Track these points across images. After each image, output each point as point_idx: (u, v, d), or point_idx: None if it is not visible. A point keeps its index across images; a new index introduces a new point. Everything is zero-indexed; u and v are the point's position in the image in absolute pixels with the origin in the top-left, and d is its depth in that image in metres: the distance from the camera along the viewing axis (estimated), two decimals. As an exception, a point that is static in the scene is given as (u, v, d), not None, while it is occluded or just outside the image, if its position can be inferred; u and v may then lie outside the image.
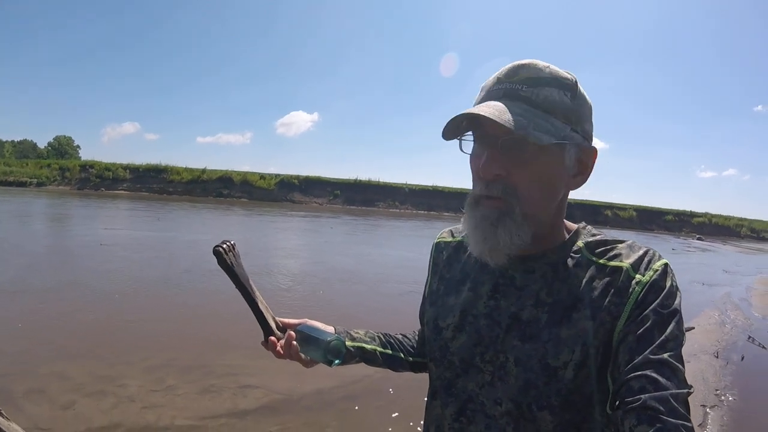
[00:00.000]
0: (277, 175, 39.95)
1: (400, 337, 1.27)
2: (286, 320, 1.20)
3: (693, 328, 7.56)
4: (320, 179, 41.17)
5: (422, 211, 39.15)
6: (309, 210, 31.99)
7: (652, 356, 0.77)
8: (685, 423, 0.72)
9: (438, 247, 1.15)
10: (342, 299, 7.89)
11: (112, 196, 30.13)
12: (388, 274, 10.41)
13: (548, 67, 0.86)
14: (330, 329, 1.17)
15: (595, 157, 0.93)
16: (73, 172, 35.44)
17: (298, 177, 40.33)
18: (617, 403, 0.78)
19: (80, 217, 18.34)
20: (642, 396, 0.74)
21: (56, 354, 4.82)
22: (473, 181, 0.93)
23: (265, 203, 34.20)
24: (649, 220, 47.75)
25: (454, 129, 0.90)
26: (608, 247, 0.92)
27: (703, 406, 4.79)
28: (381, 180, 42.99)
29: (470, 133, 0.91)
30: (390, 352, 1.22)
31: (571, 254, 0.93)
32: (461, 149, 0.93)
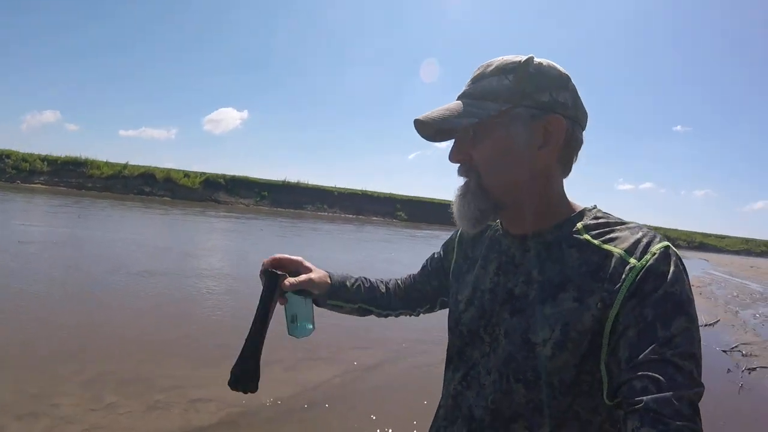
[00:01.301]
0: (202, 174, 38.78)
1: (383, 289, 1.39)
2: (284, 256, 1.22)
3: None
4: (247, 179, 40.36)
5: (351, 215, 39.34)
6: (235, 211, 31.59)
7: (654, 355, 0.77)
8: (689, 424, 0.72)
9: None
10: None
11: (29, 190, 28.78)
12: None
13: (500, 59, 0.96)
14: (321, 275, 1.24)
15: (559, 125, 0.94)
16: (-13, 162, 33.58)
17: (224, 176, 39.36)
18: (619, 402, 0.80)
19: (-6, 211, 17.65)
20: (644, 398, 0.74)
21: None
22: None
23: (188, 202, 33.35)
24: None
25: (433, 138, 1.04)
26: (607, 229, 0.93)
27: None
28: (310, 182, 42.89)
29: (441, 141, 1.05)
30: (368, 307, 1.35)
31: (569, 234, 0.95)
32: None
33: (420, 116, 0.97)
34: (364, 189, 44.38)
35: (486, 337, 1.01)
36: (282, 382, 4.75)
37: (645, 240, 0.88)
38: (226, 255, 13.13)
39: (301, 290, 1.18)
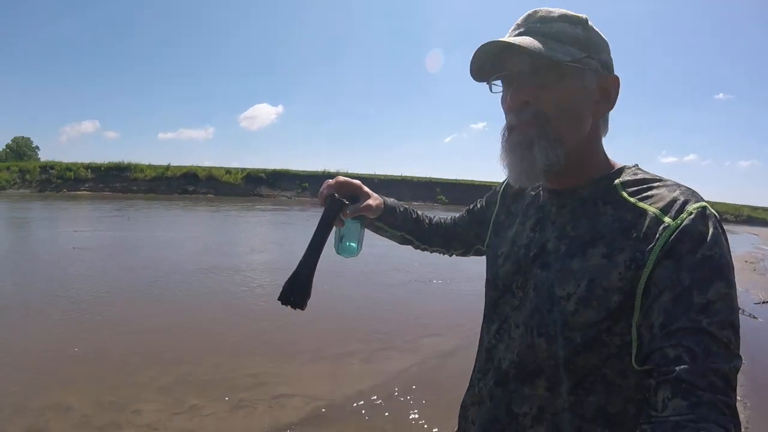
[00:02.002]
0: (243, 170, 39.17)
1: (426, 223, 1.41)
2: (347, 179, 1.20)
3: None
4: (288, 172, 40.57)
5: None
6: (278, 204, 31.70)
7: (690, 323, 0.74)
8: (723, 398, 0.69)
9: (510, 182, 1.17)
10: (347, 291, 7.71)
11: (75, 197, 29.29)
12: (387, 263, 10.20)
13: (559, 9, 0.93)
14: (378, 203, 1.25)
15: (617, 86, 0.96)
16: (33, 173, 34.20)
17: (265, 171, 39.68)
18: (649, 369, 0.77)
19: (46, 220, 17.78)
20: (677, 368, 0.72)
21: (46, 381, 4.24)
22: (505, 116, 0.99)
23: (232, 198, 33.66)
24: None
25: (480, 71, 0.98)
26: (644, 186, 0.90)
27: None
28: (350, 171, 42.62)
29: (498, 80, 0.98)
30: (410, 237, 1.38)
31: (606, 190, 0.93)
32: (491, 91, 1.00)
33: (502, 38, 0.91)
34: (403, 175, 43.93)
35: (518, 292, 1.01)
36: (361, 374, 4.67)
37: (682, 198, 0.84)
38: (281, 247, 12.84)
39: (341, 234, 1.19)
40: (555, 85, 0.90)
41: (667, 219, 0.82)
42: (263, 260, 10.46)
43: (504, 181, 1.24)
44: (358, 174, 41.81)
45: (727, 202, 60.34)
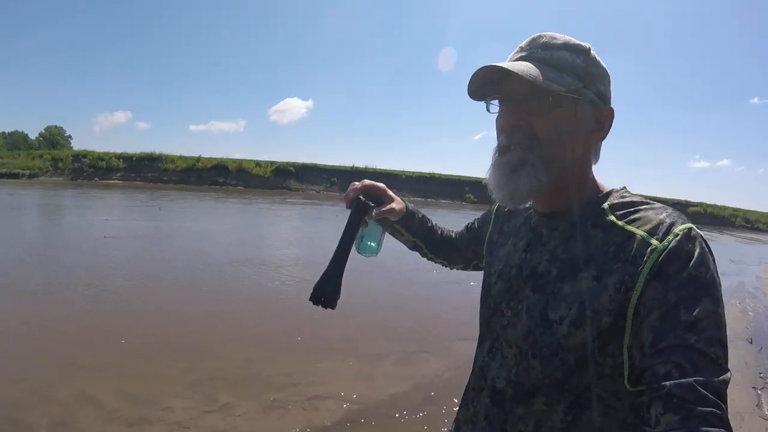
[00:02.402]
0: (272, 163, 39.27)
1: (439, 234, 1.44)
2: (372, 183, 1.24)
3: None
4: (317, 166, 40.55)
5: (419, 198, 38.58)
6: (307, 197, 31.58)
7: (678, 340, 0.74)
8: (715, 410, 0.69)
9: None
10: (376, 286, 7.48)
11: (107, 186, 29.56)
12: (415, 262, 9.85)
13: (563, 36, 0.95)
14: (402, 207, 1.28)
15: (611, 117, 0.98)
16: (65, 162, 34.67)
17: (294, 164, 39.68)
18: (643, 388, 0.77)
19: (78, 207, 17.87)
20: (667, 383, 0.72)
21: (76, 371, 4.15)
22: (497, 136, 1.00)
23: (261, 190, 33.68)
24: (645, 211, 47.25)
25: (479, 91, 0.98)
26: (632, 209, 0.92)
27: (754, 388, 5.02)
28: (378, 167, 42.58)
29: (495, 100, 0.99)
30: (422, 244, 1.41)
31: (595, 214, 0.94)
32: (488, 110, 1.01)
33: (501, 63, 0.92)
34: (432, 172, 43.58)
35: (507, 311, 1.02)
36: (395, 377, 4.53)
37: (668, 221, 0.86)
38: (313, 242, 12.51)
39: (364, 234, 1.22)
40: (548, 112, 0.92)
41: (654, 241, 0.84)
42: (296, 255, 10.18)
43: (496, 203, 1.26)
44: (386, 170, 41.76)
45: (761, 210, 58.50)
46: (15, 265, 7.67)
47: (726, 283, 8.65)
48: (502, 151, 0.98)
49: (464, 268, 1.49)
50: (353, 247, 1.17)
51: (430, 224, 1.42)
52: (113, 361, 4.41)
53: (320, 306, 1.10)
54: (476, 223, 1.39)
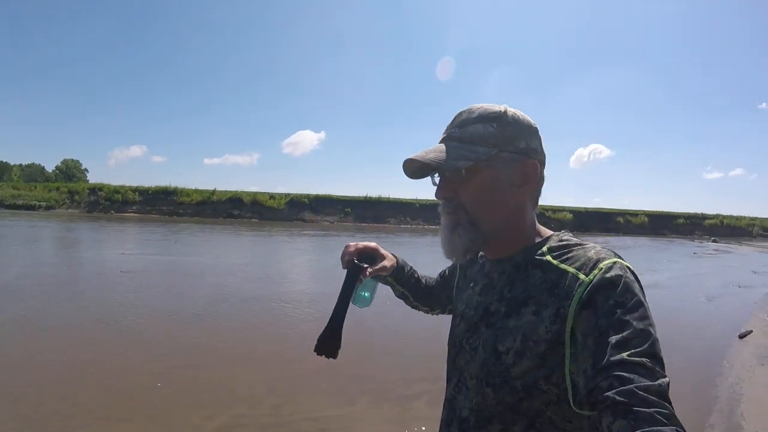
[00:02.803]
0: (287, 195, 39.50)
1: (423, 284, 1.53)
2: (365, 245, 1.37)
3: (751, 331, 7.84)
4: (330, 197, 40.70)
5: (434, 226, 38.30)
6: (321, 228, 31.38)
7: (614, 358, 0.79)
8: (660, 410, 0.73)
9: None
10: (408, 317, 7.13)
11: (122, 219, 29.62)
12: None
13: (480, 107, 1.07)
14: (393, 263, 1.42)
15: (535, 169, 1.06)
16: (82, 194, 35.06)
17: (308, 196, 39.89)
18: (590, 405, 0.81)
19: (94, 241, 17.79)
20: (610, 394, 0.76)
21: (93, 417, 3.94)
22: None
23: (276, 223, 33.64)
24: (661, 225, 47.20)
25: (419, 173, 1.14)
26: (566, 250, 1.02)
27: None
28: (391, 196, 42.60)
29: (436, 175, 1.12)
30: (409, 293, 1.52)
31: (535, 257, 1.04)
32: (433, 184, 1.12)
33: (415, 155, 1.06)
34: (445, 200, 43.34)
35: (467, 347, 1.11)
36: (429, 419, 4.22)
37: (594, 258, 0.95)
38: (334, 276, 12.18)
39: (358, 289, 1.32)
40: (469, 182, 1.04)
41: (581, 276, 0.92)
42: (317, 290, 9.84)
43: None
44: (399, 199, 41.82)
45: None
46: (35, 299, 7.55)
47: (752, 296, 9.15)
48: (442, 216, 1.11)
49: (441, 312, 1.57)
50: (356, 303, 1.32)
51: (416, 275, 1.53)
52: (134, 406, 4.18)
53: (324, 356, 1.21)
54: (447, 271, 1.50)
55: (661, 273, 15.26)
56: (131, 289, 8.81)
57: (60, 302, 7.54)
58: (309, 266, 14.15)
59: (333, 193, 41.66)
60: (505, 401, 0.98)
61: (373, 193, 42.94)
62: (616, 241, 31.64)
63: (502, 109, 1.05)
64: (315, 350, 1.21)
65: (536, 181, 1.07)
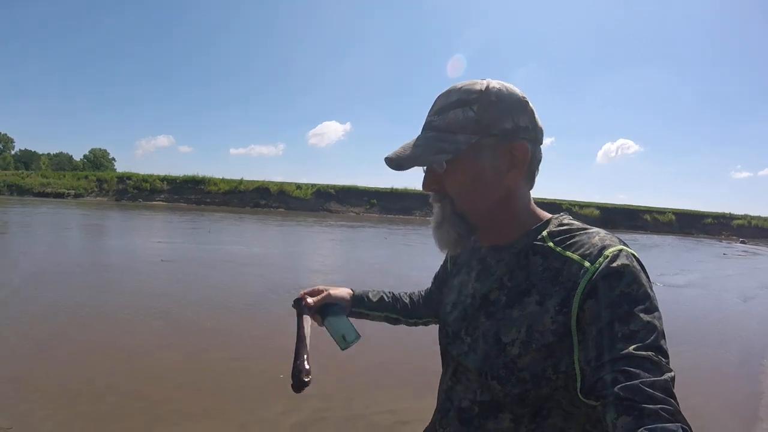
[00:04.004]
0: (313, 185, 39.56)
1: (407, 300, 1.47)
2: (309, 290, 1.35)
3: None
4: (356, 188, 40.71)
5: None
6: (348, 219, 31.29)
7: (619, 352, 0.78)
8: (665, 406, 0.72)
9: None
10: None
11: (151, 207, 29.79)
12: None
13: (460, 87, 0.99)
14: (340, 291, 1.36)
15: (523, 151, 0.98)
16: (110, 183, 35.38)
17: (334, 186, 39.93)
18: (595, 398, 0.80)
19: (129, 229, 17.77)
20: (615, 389, 0.75)
21: (163, 414, 3.77)
22: None
23: (302, 213, 33.62)
24: (689, 224, 46.27)
25: (399, 167, 1.02)
26: (568, 236, 0.96)
27: None
28: (417, 188, 42.38)
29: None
30: (394, 316, 1.44)
31: (535, 242, 0.99)
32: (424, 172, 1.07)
33: (391, 154, 1.01)
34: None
35: (467, 338, 1.06)
36: None
37: (600, 244, 0.91)
38: (384, 265, 12.01)
39: (335, 311, 1.31)
40: (453, 172, 0.98)
41: (586, 263, 0.88)
42: (367, 281, 9.54)
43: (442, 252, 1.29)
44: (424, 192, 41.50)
45: None
46: (82, 290, 7.37)
47: None
48: (432, 207, 1.07)
49: None
50: (340, 346, 1.29)
51: (391, 295, 1.46)
52: (203, 402, 3.95)
53: (299, 389, 1.16)
54: (440, 270, 1.43)
55: (693, 273, 14.88)
56: (175, 278, 8.65)
57: (108, 291, 7.37)
58: (349, 257, 13.88)
59: (359, 185, 41.60)
60: (513, 393, 0.94)
61: (399, 185, 42.82)
62: (644, 239, 31.04)
63: (483, 87, 0.98)
64: (292, 387, 1.18)
65: (527, 163, 1.00)
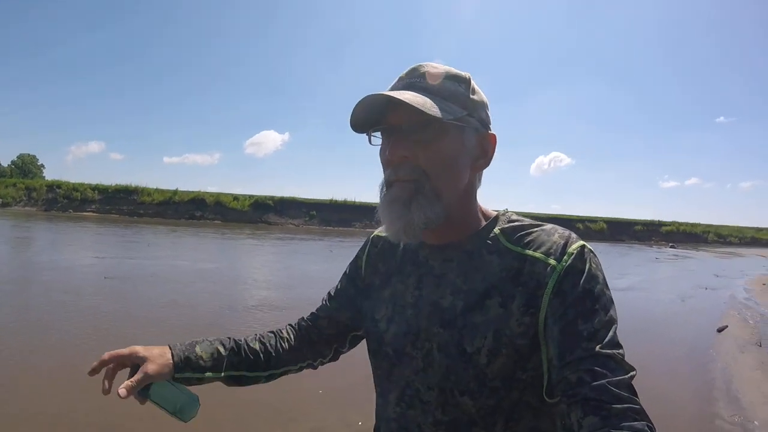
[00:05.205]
0: (251, 196, 38.90)
1: (259, 345, 1.17)
2: (115, 352, 1.03)
3: (727, 326, 8.87)
4: (295, 200, 40.24)
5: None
6: (288, 231, 31.03)
7: (583, 351, 0.78)
8: (632, 405, 0.73)
9: (373, 241, 1.18)
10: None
11: (82, 219, 28.62)
12: None
13: (443, 66, 0.94)
14: (159, 363, 1.02)
15: (495, 143, 0.99)
16: (39, 192, 33.79)
17: (272, 198, 39.36)
18: (559, 397, 0.80)
19: (63, 242, 17.14)
20: (581, 389, 0.75)
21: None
22: (383, 169, 0.97)
23: (240, 225, 33.04)
24: (620, 231, 48.64)
25: (361, 122, 0.95)
26: (524, 233, 0.93)
27: None
28: (357, 200, 42.53)
29: (377, 132, 0.97)
30: (236, 373, 1.12)
31: (488, 241, 0.95)
32: (370, 143, 0.99)
33: (390, 92, 0.90)
34: (411, 204, 43.44)
35: (416, 353, 0.97)
36: None
37: (561, 241, 0.89)
38: (334, 279, 11.81)
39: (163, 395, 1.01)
40: (435, 142, 0.91)
41: (552, 261, 0.86)
42: (316, 295, 9.73)
43: (365, 245, 1.20)
44: (365, 203, 41.73)
45: (730, 224, 60.76)
46: (26, 312, 7.15)
47: (720, 297, 10.53)
48: (390, 185, 0.95)
49: (338, 352, 1.24)
50: (181, 419, 1.03)
51: (230, 346, 1.13)
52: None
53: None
54: (340, 285, 1.24)
55: (632, 277, 16.17)
56: (124, 298, 8.47)
57: (53, 312, 7.17)
58: (296, 270, 13.91)
59: (298, 196, 41.22)
60: (487, 405, 0.90)
61: (339, 196, 42.79)
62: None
63: (468, 75, 0.96)
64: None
65: (492, 156, 0.99)
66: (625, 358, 0.80)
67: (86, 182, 35.74)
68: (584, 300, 0.82)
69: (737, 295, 13.39)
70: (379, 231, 1.16)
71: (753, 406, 5.22)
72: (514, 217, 0.99)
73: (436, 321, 0.94)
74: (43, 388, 4.58)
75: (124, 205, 34.37)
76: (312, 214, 39.03)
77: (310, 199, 41.07)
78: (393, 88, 0.95)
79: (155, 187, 37.01)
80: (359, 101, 0.91)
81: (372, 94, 0.89)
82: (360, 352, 1.22)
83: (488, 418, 0.90)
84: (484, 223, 1.00)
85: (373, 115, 0.95)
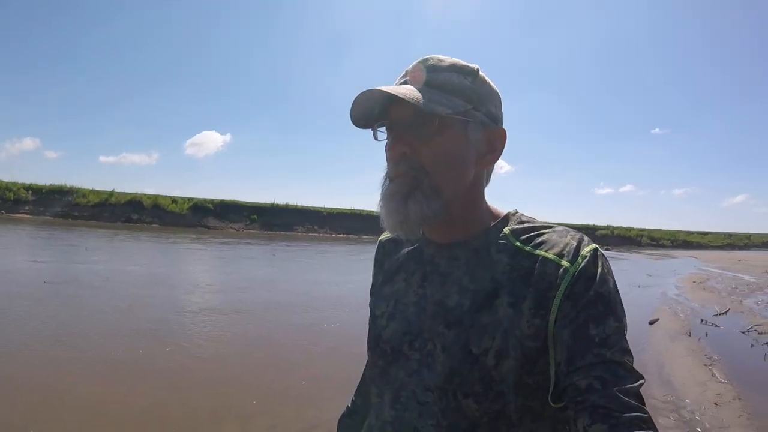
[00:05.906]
0: (190, 199, 37.92)
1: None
2: None
3: (658, 319, 9.72)
4: (236, 203, 39.62)
5: (341, 235, 38.73)
6: (228, 236, 30.76)
7: (594, 357, 0.78)
8: (639, 414, 0.73)
9: (380, 244, 1.20)
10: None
11: (15, 220, 27.66)
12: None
13: (450, 58, 0.94)
14: None
15: (504, 138, 0.98)
16: (-33, 192, 32.39)
17: (212, 201, 38.54)
18: (565, 402, 0.80)
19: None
20: (590, 396, 0.75)
21: None
22: (387, 165, 0.97)
23: (179, 228, 32.38)
24: (557, 234, 50.01)
25: (364, 118, 0.96)
26: (535, 233, 0.93)
27: (705, 365, 6.60)
28: (299, 204, 42.36)
29: (382, 127, 0.97)
30: None
31: (497, 240, 0.94)
32: (375, 138, 0.99)
33: (385, 87, 0.89)
34: (353, 208, 43.73)
35: (412, 354, 0.95)
36: None
37: (574, 243, 0.88)
38: (278, 282, 12.07)
39: None
40: (435, 137, 0.91)
41: (565, 263, 0.85)
42: (270, 299, 9.84)
43: (376, 252, 1.21)
44: (306, 207, 41.68)
45: (663, 228, 64.24)
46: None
47: (652, 294, 12.12)
48: (390, 180, 0.95)
49: None
50: None
51: None
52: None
53: None
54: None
55: None
56: (66, 303, 8.38)
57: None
58: (241, 275, 14.01)
59: (239, 199, 40.69)
60: (491, 410, 0.87)
61: (281, 200, 42.54)
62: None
63: (476, 67, 0.94)
64: None
65: (501, 151, 0.98)
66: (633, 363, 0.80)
67: (19, 182, 34.26)
68: (596, 304, 0.82)
69: (668, 292, 14.44)
70: (384, 234, 1.18)
71: (684, 387, 5.81)
72: (525, 217, 0.98)
73: (441, 320, 0.93)
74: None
75: (58, 206, 32.97)
76: (253, 218, 38.48)
77: (251, 203, 40.58)
78: (398, 83, 0.95)
79: (90, 188, 35.83)
80: (357, 97, 0.91)
81: (368, 90, 0.89)
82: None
83: (492, 423, 0.88)
84: (493, 222, 0.98)
85: (375, 111, 0.96)
